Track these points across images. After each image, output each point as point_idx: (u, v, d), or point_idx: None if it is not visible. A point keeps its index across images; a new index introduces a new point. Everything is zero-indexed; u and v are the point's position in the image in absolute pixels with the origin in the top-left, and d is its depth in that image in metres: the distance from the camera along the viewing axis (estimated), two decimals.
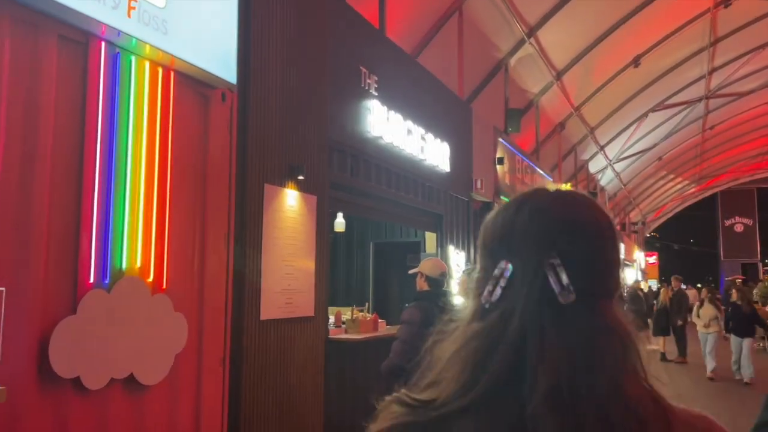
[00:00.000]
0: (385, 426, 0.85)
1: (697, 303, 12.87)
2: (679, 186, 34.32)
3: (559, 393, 0.74)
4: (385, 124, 7.22)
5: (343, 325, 6.59)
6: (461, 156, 9.90)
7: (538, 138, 15.35)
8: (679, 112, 21.74)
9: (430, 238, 9.45)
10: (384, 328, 7.22)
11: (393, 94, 7.56)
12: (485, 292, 0.84)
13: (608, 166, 23.36)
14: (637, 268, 34.19)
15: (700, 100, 21.22)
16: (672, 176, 31.35)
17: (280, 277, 5.32)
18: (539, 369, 0.76)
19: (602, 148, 21.17)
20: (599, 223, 0.88)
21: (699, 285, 32.32)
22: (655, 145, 23.99)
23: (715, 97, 21.44)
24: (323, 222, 6.02)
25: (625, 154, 23.29)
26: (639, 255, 35.73)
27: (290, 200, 5.49)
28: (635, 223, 34.70)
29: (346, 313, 6.75)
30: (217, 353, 4.69)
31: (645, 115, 20.39)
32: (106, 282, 3.77)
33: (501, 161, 11.38)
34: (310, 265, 5.75)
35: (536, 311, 0.80)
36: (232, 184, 4.88)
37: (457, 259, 9.52)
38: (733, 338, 11.66)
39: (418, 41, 10.52)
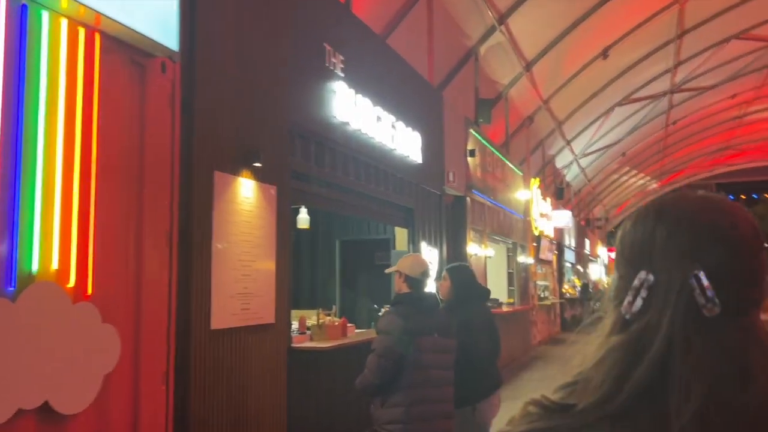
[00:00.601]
0: (521, 430, 0.84)
1: None
2: (641, 182, 34.38)
3: (709, 408, 0.73)
4: (352, 109, 6.52)
5: (308, 332, 5.87)
6: (433, 147, 9.26)
7: (507, 131, 14.84)
8: (644, 106, 21.54)
9: (401, 235, 8.79)
10: (353, 333, 6.53)
11: (361, 76, 6.86)
12: (625, 303, 0.83)
13: (574, 161, 23.06)
14: (600, 264, 34.15)
15: (664, 94, 21.05)
16: (635, 172, 31.34)
17: (234, 279, 4.58)
18: (690, 383, 0.74)
19: (569, 142, 20.81)
20: (745, 231, 0.82)
21: None
22: (620, 140, 23.80)
23: (679, 92, 21.32)
24: (285, 215, 5.30)
25: (591, 149, 23.03)
26: (602, 251, 35.73)
27: (245, 191, 4.75)
28: (599, 219, 34.66)
29: (312, 318, 6.03)
30: (158, 371, 3.93)
31: (611, 109, 20.10)
32: (11, 289, 3.00)
33: (472, 153, 10.79)
34: (269, 265, 5.01)
35: (682, 324, 0.78)
36: (174, 171, 4.12)
37: (429, 257, 8.88)
38: None
39: (386, 23, 9.84)
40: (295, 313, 6.62)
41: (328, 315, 6.25)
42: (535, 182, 16.34)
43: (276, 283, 5.07)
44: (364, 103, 6.78)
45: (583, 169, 24.96)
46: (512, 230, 14.14)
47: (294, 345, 5.37)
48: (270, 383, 4.93)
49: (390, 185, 7.71)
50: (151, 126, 3.94)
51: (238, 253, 4.63)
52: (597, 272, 32.32)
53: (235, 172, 4.66)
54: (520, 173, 15.25)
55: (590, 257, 30.79)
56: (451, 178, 9.66)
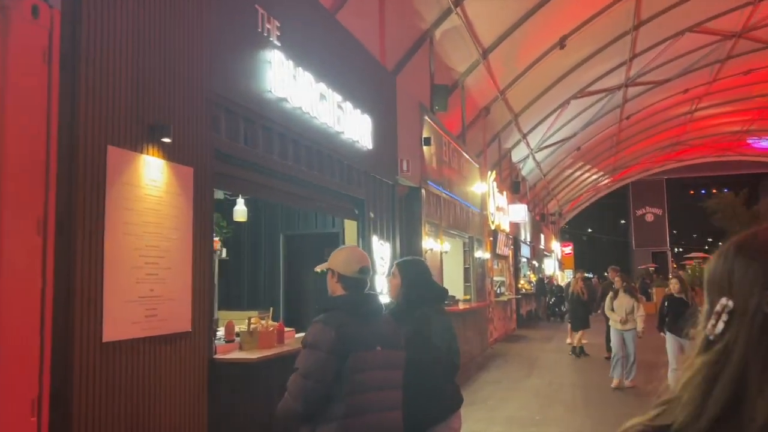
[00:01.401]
0: None
1: (611, 294, 10.32)
2: (594, 177, 34.38)
3: None
4: (291, 84, 5.67)
5: (237, 339, 5.00)
6: (385, 133, 8.48)
7: (464, 121, 14.16)
8: (599, 100, 21.23)
9: (351, 228, 7.97)
10: (293, 340, 5.69)
11: (302, 47, 6.01)
12: (709, 326, 0.89)
13: (530, 155, 22.63)
14: (554, 259, 34.01)
15: (619, 88, 20.77)
16: (589, 167, 31.23)
17: (136, 280, 3.70)
18: (758, 401, 0.79)
19: (525, 135, 20.33)
20: None
21: (606, 273, 32.49)
22: (574, 135, 23.47)
23: (633, 85, 21.06)
24: (205, 203, 4.42)
25: (547, 143, 22.62)
26: (556, 246, 35.64)
27: (152, 172, 3.87)
28: (553, 214, 34.51)
29: (242, 323, 5.17)
30: (25, 399, 3.04)
31: (567, 102, 19.67)
32: None
33: (428, 142, 10.05)
34: (184, 262, 4.14)
35: (756, 345, 0.83)
36: (52, 144, 3.22)
37: (381, 252, 8.10)
38: (672, 339, 8.97)
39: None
40: (225, 316, 5.76)
41: (264, 318, 5.39)
42: (491, 175, 15.74)
43: (193, 283, 4.20)
44: (305, 78, 5.95)
45: (538, 164, 24.59)
46: (469, 224, 13.49)
47: (217, 356, 4.50)
48: (186, 405, 4.06)
49: (337, 172, 6.89)
50: (14, 85, 3.04)
51: (141, 247, 3.75)
52: (551, 267, 32.14)
53: (137, 148, 3.77)
54: (477, 165, 14.61)
55: (545, 252, 30.56)
56: (405, 167, 8.90)
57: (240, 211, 7.48)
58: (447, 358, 3.39)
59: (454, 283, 13.82)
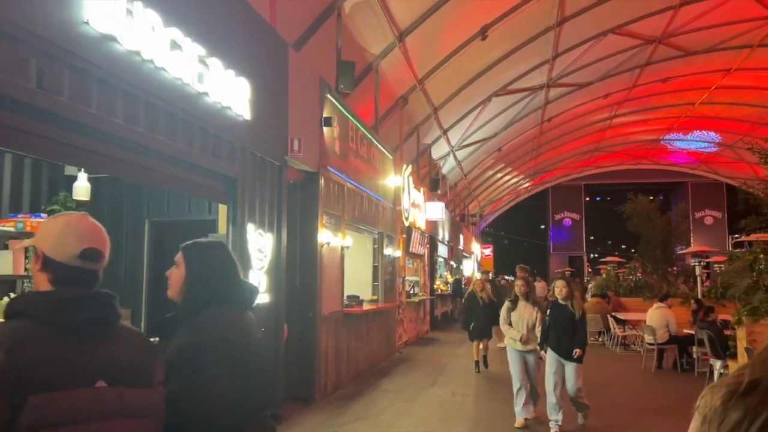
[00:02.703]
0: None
1: (507, 303, 7.59)
2: (515, 180, 34.18)
3: None
4: (122, 19, 4.37)
5: None
6: (271, 105, 7.25)
7: (377, 107, 13.06)
8: (521, 99, 20.67)
9: (225, 214, 6.70)
10: None
11: None
12: None
13: (450, 152, 21.84)
14: (474, 260, 33.56)
15: (541, 88, 20.27)
16: (510, 169, 30.91)
17: None
18: None
19: (445, 132, 19.49)
20: None
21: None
22: (496, 135, 22.88)
23: (555, 86, 20.62)
24: None
25: (467, 142, 21.89)
26: (476, 247, 35.24)
27: None
28: (474, 215, 34.09)
29: None
30: None
31: (489, 99, 18.96)
32: None
33: (328, 122, 8.87)
34: None
35: None
36: None
37: (260, 244, 6.85)
38: (551, 359, 6.87)
39: None
40: None
41: None
42: (407, 169, 14.73)
43: None
44: (148, 16, 4.64)
45: (459, 163, 23.87)
46: (379, 219, 12.41)
47: None
48: None
49: (197, 142, 5.60)
50: None
51: None
52: (470, 268, 31.64)
53: None
54: (391, 157, 13.56)
55: (464, 253, 29.97)
56: (296, 147, 7.67)
57: (81, 188, 6.08)
58: (244, 390, 2.15)
59: (361, 281, 12.73)
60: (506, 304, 7.60)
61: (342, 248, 9.78)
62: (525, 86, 19.59)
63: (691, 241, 27.78)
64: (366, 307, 11.36)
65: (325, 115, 8.88)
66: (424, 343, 16.07)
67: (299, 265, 8.60)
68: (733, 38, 19.59)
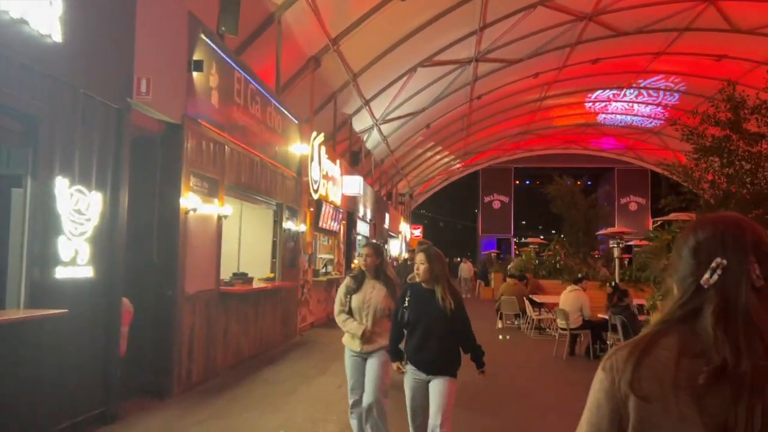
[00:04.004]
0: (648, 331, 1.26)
1: (347, 280, 5.16)
2: (446, 160, 33.25)
3: (755, 337, 1.15)
4: None
5: None
6: (105, 31, 5.75)
7: (278, 65, 11.58)
8: (449, 72, 19.55)
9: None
10: None
11: None
12: (705, 277, 1.21)
13: (375, 126, 20.56)
14: (401, 240, 32.56)
15: (470, 62, 19.19)
16: (440, 148, 29.92)
17: None
18: (747, 327, 1.15)
19: (367, 102, 18.17)
20: (766, 238, 1.25)
21: (459, 259, 31.40)
22: (423, 110, 21.73)
23: (484, 61, 19.57)
24: None
25: (393, 115, 20.66)
26: (405, 227, 34.24)
27: None
28: (403, 194, 33.03)
29: None
30: None
31: (414, 69, 17.73)
32: None
33: (198, 66, 7.41)
34: None
35: (743, 289, 1.18)
36: None
37: (82, 203, 5.39)
38: (410, 375, 4.41)
39: None
40: None
41: None
42: (317, 137, 13.35)
43: None
44: None
45: (385, 138, 22.63)
46: (277, 188, 11.02)
47: None
48: None
49: None
50: None
51: None
52: (397, 249, 30.63)
53: None
54: (296, 122, 12.16)
55: (391, 233, 28.87)
56: (143, 88, 6.21)
57: None
58: None
59: (257, 257, 11.37)
60: (345, 282, 5.16)
61: (220, 217, 8.37)
62: (452, 58, 18.47)
63: (615, 226, 27.55)
64: (257, 285, 10.03)
65: (195, 57, 7.41)
66: (332, 325, 14.78)
67: (157, 234, 7.16)
68: (662, 20, 19.01)
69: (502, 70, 20.84)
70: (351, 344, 5.02)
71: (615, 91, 26.45)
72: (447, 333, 4.28)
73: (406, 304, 4.38)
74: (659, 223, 14.17)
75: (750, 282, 1.18)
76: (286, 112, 11.48)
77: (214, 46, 8.01)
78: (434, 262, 4.28)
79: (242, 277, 9.71)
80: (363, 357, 4.97)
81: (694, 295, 1.22)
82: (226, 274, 9.58)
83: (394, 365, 4.53)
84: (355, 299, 4.99)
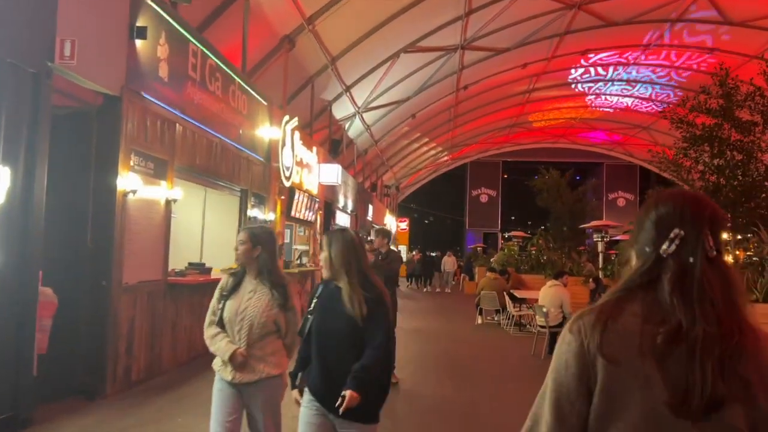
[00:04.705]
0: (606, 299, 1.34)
1: (225, 278, 3.61)
2: (433, 152, 32.54)
3: (706, 303, 1.23)
4: None
5: None
6: None
7: (245, 42, 10.81)
8: (435, 60, 18.81)
9: None
10: None
11: None
12: (664, 247, 1.29)
13: (356, 114, 19.82)
14: None
15: (455, 49, 18.46)
16: (426, 140, 29.19)
17: None
18: (702, 291, 1.24)
19: (348, 88, 17.43)
20: (723, 215, 1.37)
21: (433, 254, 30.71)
22: (408, 98, 20.98)
23: (470, 49, 18.84)
24: None
25: (376, 104, 19.92)
26: (390, 219, 33.52)
27: None
28: (388, 186, 32.31)
29: None
30: None
31: (397, 55, 17.00)
32: None
33: (142, 33, 6.65)
34: None
35: (699, 259, 1.26)
36: None
37: None
38: (308, 409, 3.01)
39: None
40: None
41: None
42: (289, 121, 12.61)
43: None
44: None
45: (368, 127, 21.89)
46: (241, 173, 10.28)
47: None
48: None
49: None
50: None
51: None
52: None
53: None
54: (265, 104, 11.42)
55: (374, 225, 28.13)
56: (67, 51, 5.46)
57: None
58: None
59: (222, 247, 10.61)
60: (222, 280, 3.60)
61: (169, 201, 7.63)
62: (437, 45, 17.73)
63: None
64: (216, 275, 9.31)
65: (139, 24, 6.66)
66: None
67: (91, 218, 6.43)
68: (652, 10, 18.37)
69: (489, 59, 20.13)
70: (222, 370, 3.46)
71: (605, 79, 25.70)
72: (355, 351, 2.89)
73: (311, 308, 3.11)
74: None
75: (704, 252, 1.27)
76: (253, 93, 10.74)
77: (164, 14, 7.26)
78: (332, 246, 3.01)
79: (199, 267, 8.99)
80: (235, 390, 3.45)
81: (653, 264, 1.31)
82: (183, 264, 8.88)
83: (293, 392, 3.17)
84: (229, 306, 3.47)
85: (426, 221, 46.60)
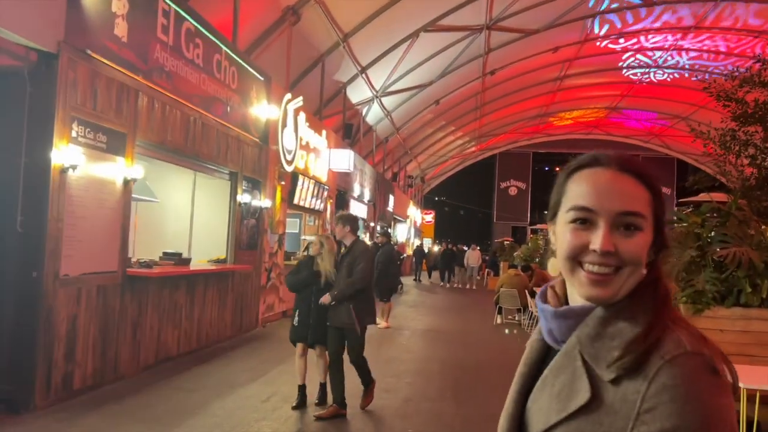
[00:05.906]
0: None
1: None
2: (459, 141, 31.12)
3: None
4: None
5: None
6: None
7: (236, 9, 9.68)
8: (458, 41, 17.45)
9: None
10: None
11: None
12: None
13: (375, 99, 18.61)
14: (410, 225, 30.61)
15: (480, 29, 17.07)
16: (452, 128, 27.82)
17: None
18: None
19: (364, 70, 16.23)
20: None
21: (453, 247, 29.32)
22: (431, 83, 19.69)
23: (496, 29, 17.41)
24: None
25: (395, 87, 18.68)
26: (414, 212, 32.25)
27: None
28: (413, 177, 31.05)
29: None
30: None
31: (416, 33, 15.72)
32: None
33: None
34: None
35: None
36: None
37: None
38: None
39: None
40: None
41: None
42: (294, 101, 11.50)
43: None
44: None
45: (388, 113, 20.66)
46: (228, 154, 9.18)
47: None
48: None
49: None
50: None
51: None
52: (404, 234, 28.71)
53: None
54: (262, 79, 10.30)
55: (397, 216, 26.92)
56: None
57: None
58: None
59: (211, 235, 9.62)
60: None
61: (128, 181, 6.56)
62: (460, 24, 16.39)
63: None
64: (196, 267, 8.28)
65: None
66: None
67: (22, 198, 5.39)
68: None
69: (517, 41, 18.68)
70: None
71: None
72: None
73: None
74: (684, 201, 12.02)
75: None
76: (246, 66, 9.64)
77: None
78: None
79: (174, 258, 7.95)
80: None
81: None
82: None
83: None
84: None
85: (456, 214, 45.16)
